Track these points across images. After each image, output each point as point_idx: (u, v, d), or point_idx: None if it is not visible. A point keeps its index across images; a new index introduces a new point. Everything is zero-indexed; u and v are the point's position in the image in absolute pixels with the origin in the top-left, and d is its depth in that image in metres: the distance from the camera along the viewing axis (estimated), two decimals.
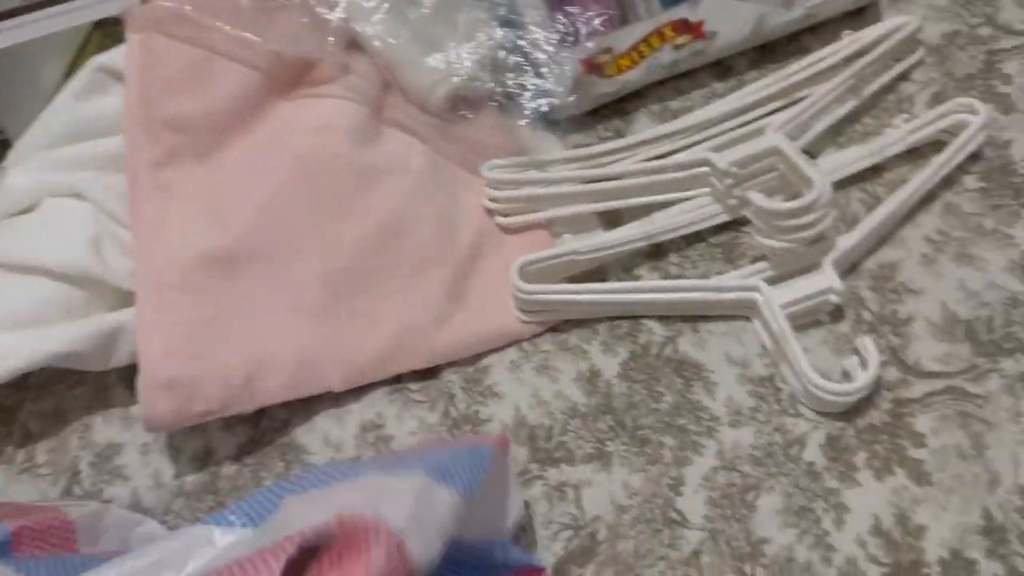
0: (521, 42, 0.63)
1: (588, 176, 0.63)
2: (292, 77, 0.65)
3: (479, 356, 0.59)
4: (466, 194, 0.65)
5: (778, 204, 0.53)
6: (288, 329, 0.58)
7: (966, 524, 0.47)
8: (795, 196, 0.54)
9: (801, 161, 0.55)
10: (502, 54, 0.63)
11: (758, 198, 0.54)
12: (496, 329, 0.60)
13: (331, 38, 0.63)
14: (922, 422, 0.51)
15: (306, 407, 0.58)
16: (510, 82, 0.64)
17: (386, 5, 0.64)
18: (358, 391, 0.58)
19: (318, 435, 0.57)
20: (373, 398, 0.58)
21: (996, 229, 0.56)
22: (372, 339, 0.59)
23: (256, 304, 0.58)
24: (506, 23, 0.64)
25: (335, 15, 0.63)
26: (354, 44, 0.67)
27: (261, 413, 0.58)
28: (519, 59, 0.63)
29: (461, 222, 0.63)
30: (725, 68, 0.69)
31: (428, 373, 0.59)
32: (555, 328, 0.60)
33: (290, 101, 0.65)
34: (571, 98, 0.64)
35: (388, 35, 0.63)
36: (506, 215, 0.64)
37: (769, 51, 0.68)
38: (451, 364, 0.59)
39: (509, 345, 0.60)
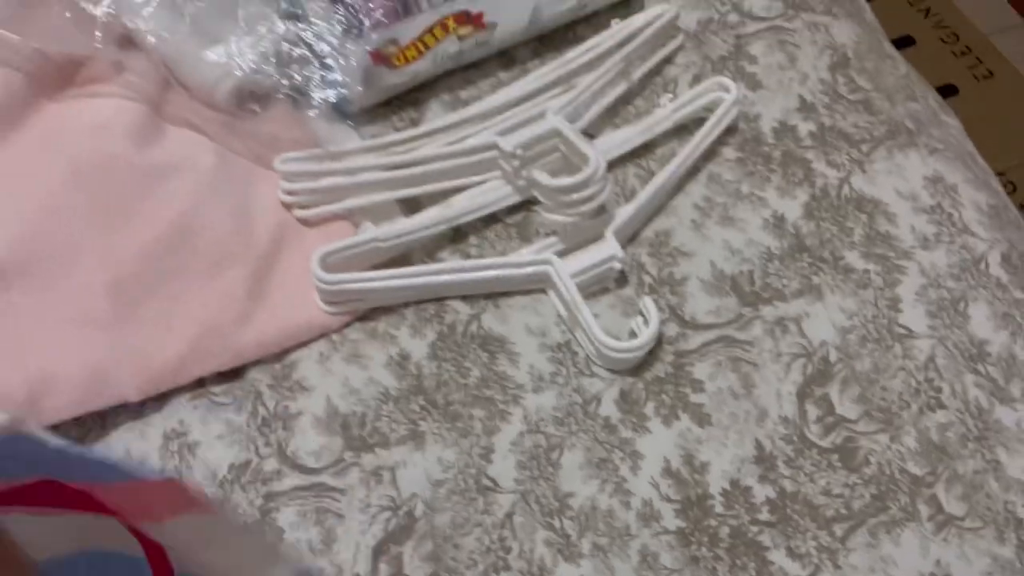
0: (304, 34, 0.63)
1: (385, 164, 0.64)
2: (60, 77, 0.61)
3: (286, 352, 0.59)
4: (262, 190, 0.63)
5: (559, 180, 0.57)
6: (73, 342, 0.55)
7: (742, 456, 0.53)
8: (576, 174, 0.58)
9: (578, 140, 0.59)
10: (286, 47, 0.63)
11: (542, 176, 0.57)
12: (302, 323, 0.59)
13: (99, 33, 0.60)
14: (700, 369, 0.56)
15: (102, 422, 0.55)
16: (296, 75, 0.63)
17: None
18: (158, 400, 0.56)
19: (118, 450, 0.54)
20: (175, 406, 0.56)
21: (751, 192, 0.63)
22: (168, 344, 0.56)
23: (33, 319, 0.55)
24: (288, 15, 0.64)
25: (101, 9, 0.60)
26: (127, 40, 0.64)
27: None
28: (304, 51, 0.63)
29: (258, 218, 0.62)
30: (509, 58, 0.72)
31: (232, 374, 0.58)
32: (363, 317, 0.60)
33: (60, 103, 0.61)
34: (361, 89, 0.65)
35: (162, 29, 0.61)
36: (304, 207, 0.63)
37: (548, 41, 0.72)
38: (256, 363, 0.58)
39: (317, 338, 0.59)
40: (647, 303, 0.57)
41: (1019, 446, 0.51)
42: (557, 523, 0.51)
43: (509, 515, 0.52)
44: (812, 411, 0.54)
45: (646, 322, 0.57)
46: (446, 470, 0.54)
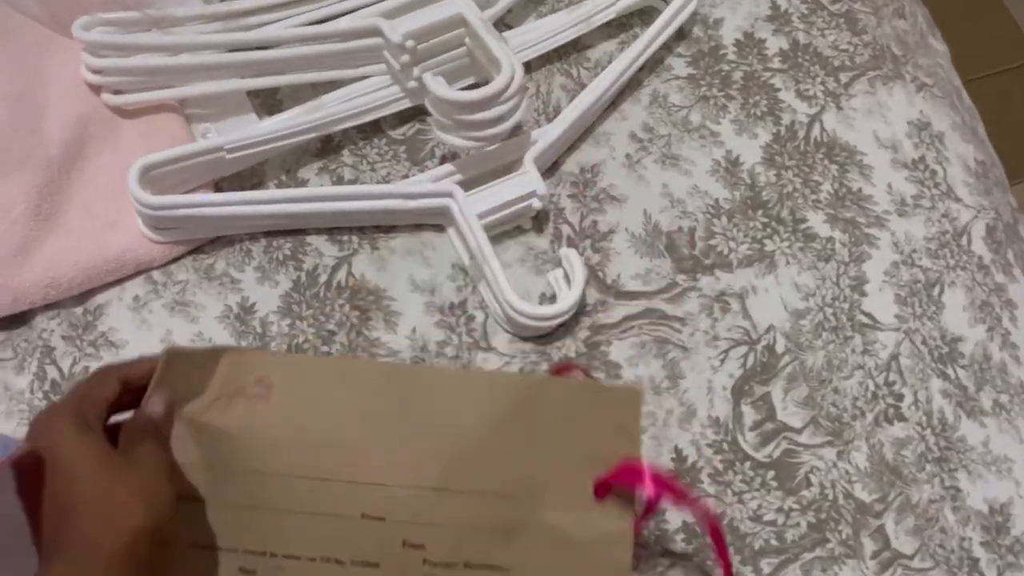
0: None
1: (232, 42, 0.48)
2: None
3: (88, 293, 0.45)
4: (58, 67, 0.47)
5: (460, 94, 0.42)
6: None
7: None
8: (486, 81, 0.44)
9: (489, 37, 0.44)
10: None
11: (436, 85, 0.43)
12: (110, 256, 0.45)
13: None
14: (618, 350, 0.45)
15: None
16: None
17: None
18: None
19: None
20: None
21: (703, 124, 0.50)
22: None
23: None
24: None
25: None
26: None
27: None
28: None
29: (51, 107, 0.47)
30: None
31: (14, 321, 0.44)
32: (197, 249, 0.46)
33: None
34: None
35: None
36: (118, 92, 0.47)
37: None
38: (48, 307, 0.45)
39: (132, 276, 0.46)
40: (572, 258, 0.45)
41: (983, 471, 0.44)
42: None
43: None
44: (749, 414, 0.44)
45: (568, 281, 0.45)
46: None
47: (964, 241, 0.49)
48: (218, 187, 0.48)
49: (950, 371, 0.45)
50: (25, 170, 0.44)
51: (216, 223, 0.46)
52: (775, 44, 0.53)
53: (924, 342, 0.46)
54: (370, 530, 0.35)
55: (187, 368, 0.35)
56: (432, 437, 0.35)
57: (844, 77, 0.52)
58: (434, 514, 0.35)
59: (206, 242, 0.47)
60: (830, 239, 0.48)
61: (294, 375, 0.36)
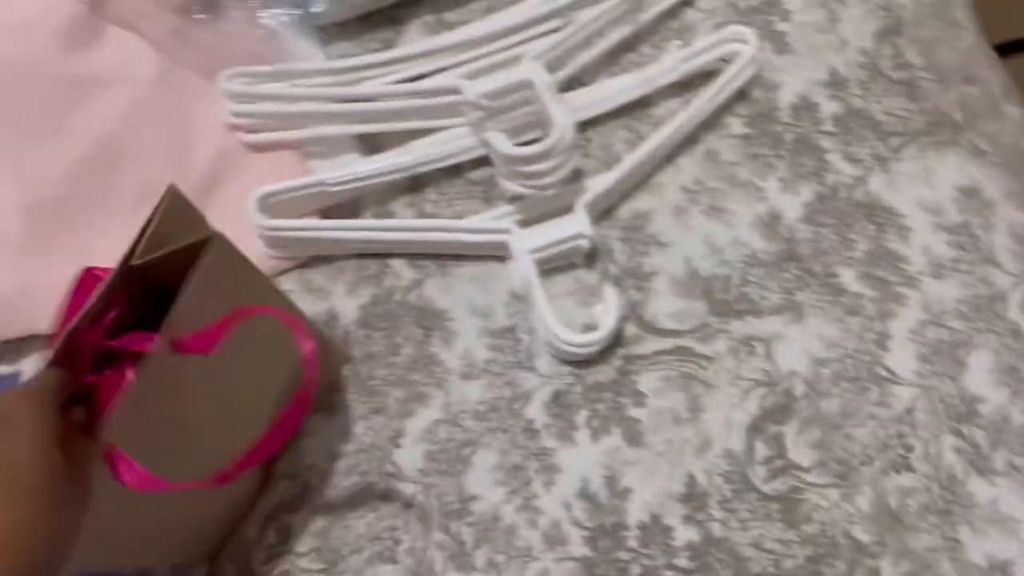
0: None
1: (341, 95, 0.57)
2: None
3: None
4: (204, 109, 0.58)
5: (514, 149, 0.49)
6: None
7: (668, 490, 0.47)
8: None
9: (549, 99, 0.51)
10: None
11: (496, 140, 0.50)
12: None
13: None
14: (646, 380, 0.50)
15: (15, 349, 0.53)
16: None
17: None
18: None
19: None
20: None
21: (750, 180, 0.54)
22: None
23: None
24: None
25: None
26: None
27: None
28: None
29: (197, 141, 0.57)
30: None
31: None
32: (302, 264, 0.56)
33: None
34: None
35: None
36: (252, 131, 0.57)
37: None
38: None
39: None
40: (609, 295, 0.50)
41: (988, 527, 0.45)
42: (455, 527, 0.47)
43: (407, 505, 0.48)
44: (761, 450, 0.48)
45: (607, 313, 0.50)
46: (351, 442, 0.50)
47: (999, 307, 0.50)
48: (324, 215, 0.57)
49: (965, 429, 0.47)
50: None
51: (316, 244, 0.55)
52: (828, 109, 0.55)
53: (942, 399, 0.47)
54: None
55: None
56: None
57: (894, 142, 0.54)
58: None
59: (308, 260, 0.56)
60: (859, 295, 0.50)
61: None
